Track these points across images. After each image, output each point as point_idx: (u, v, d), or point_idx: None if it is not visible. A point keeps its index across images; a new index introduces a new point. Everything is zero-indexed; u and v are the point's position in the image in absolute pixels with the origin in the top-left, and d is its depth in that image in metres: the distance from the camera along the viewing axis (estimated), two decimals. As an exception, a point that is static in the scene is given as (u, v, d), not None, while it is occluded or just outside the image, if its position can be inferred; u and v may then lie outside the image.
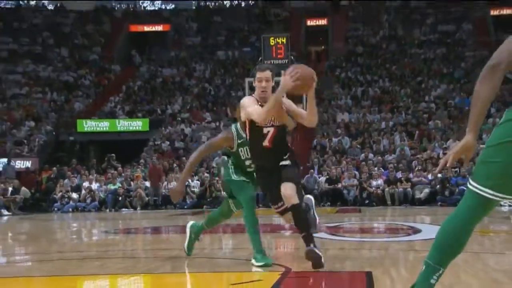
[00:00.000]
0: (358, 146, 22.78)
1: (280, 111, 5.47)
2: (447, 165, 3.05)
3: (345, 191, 19.26)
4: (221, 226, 11.48)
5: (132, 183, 20.72)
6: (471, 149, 2.99)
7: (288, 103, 5.58)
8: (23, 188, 20.83)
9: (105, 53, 36.17)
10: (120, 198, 20.06)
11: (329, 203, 19.06)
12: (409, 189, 18.71)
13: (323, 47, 38.03)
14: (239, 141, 5.93)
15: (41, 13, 39.28)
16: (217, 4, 40.77)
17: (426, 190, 18.56)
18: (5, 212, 18.89)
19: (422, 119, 24.87)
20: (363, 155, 21.76)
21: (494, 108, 24.36)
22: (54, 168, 22.90)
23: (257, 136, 5.47)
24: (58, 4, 40.00)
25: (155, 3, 41.36)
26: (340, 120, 25.72)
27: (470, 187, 2.94)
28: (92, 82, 33.21)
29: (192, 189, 19.78)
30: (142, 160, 23.30)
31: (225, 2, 40.96)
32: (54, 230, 13.51)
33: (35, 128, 28.27)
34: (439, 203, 17.95)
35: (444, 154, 18.90)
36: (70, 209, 19.84)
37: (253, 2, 40.38)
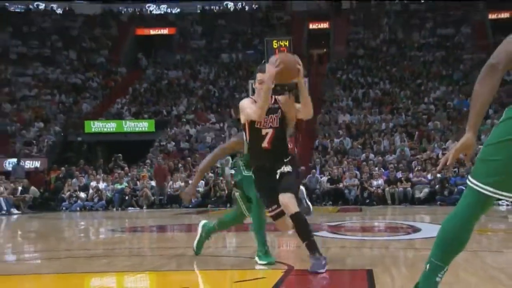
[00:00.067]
0: (359, 146, 22.77)
1: (289, 107, 5.42)
2: (448, 163, 3.06)
3: (346, 191, 19.24)
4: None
5: (138, 182, 20.74)
6: (471, 147, 3.00)
7: (283, 99, 5.48)
8: (32, 188, 20.87)
9: (112, 56, 36.22)
10: (126, 197, 20.08)
11: (330, 203, 19.04)
12: (409, 188, 18.69)
13: (324, 50, 38.02)
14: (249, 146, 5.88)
15: (50, 17, 39.34)
16: (221, 8, 40.78)
17: (426, 190, 18.54)
18: (15, 211, 18.93)
19: (422, 120, 24.85)
20: (364, 155, 21.74)
21: (492, 110, 24.30)
22: (63, 168, 22.93)
23: (256, 138, 5.37)
24: (67, 8, 40.05)
25: (161, 7, 41.37)
26: (341, 121, 25.71)
27: (471, 184, 2.94)
28: (99, 84, 33.26)
29: (197, 188, 19.78)
30: (148, 160, 23.31)
31: (229, 6, 40.96)
32: (62, 228, 13.52)
33: (44, 129, 28.31)
34: (439, 202, 17.93)
35: (444, 154, 18.90)
36: (78, 208, 19.86)
37: (256, 6, 40.36)
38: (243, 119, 5.42)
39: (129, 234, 10.89)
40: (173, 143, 25.74)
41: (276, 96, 5.47)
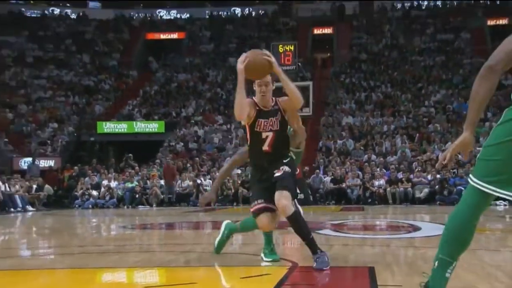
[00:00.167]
0: (362, 148, 22.74)
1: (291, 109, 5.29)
2: (446, 160, 3.07)
3: (349, 191, 19.22)
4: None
5: (148, 181, 20.77)
6: (469, 145, 3.02)
7: (282, 100, 5.32)
8: (47, 186, 20.94)
9: (124, 59, 36.30)
10: (137, 196, 20.12)
11: (333, 202, 19.03)
12: (409, 188, 18.67)
13: (328, 54, 37.99)
14: None
15: (64, 21, 39.46)
16: (229, 13, 40.82)
17: (426, 190, 18.52)
18: (30, 208, 18.99)
19: (422, 123, 24.81)
20: (366, 156, 21.72)
21: (491, 113, 24.27)
22: (76, 167, 22.99)
23: (257, 141, 5.24)
24: (81, 13, 40.17)
25: (171, 12, 41.45)
26: (344, 123, 25.68)
27: (472, 183, 2.94)
28: (111, 86, 33.34)
29: (205, 187, 19.79)
30: (157, 160, 23.35)
31: (236, 12, 40.99)
32: (75, 225, 13.54)
33: (58, 129, 28.40)
34: (438, 202, 17.91)
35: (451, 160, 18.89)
36: (90, 206, 19.90)
37: (263, 12, 40.38)
38: (243, 121, 5.29)
39: (139, 231, 10.90)
40: (182, 144, 25.76)
41: (277, 98, 5.33)
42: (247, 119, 5.19)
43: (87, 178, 21.18)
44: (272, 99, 5.25)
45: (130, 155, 23.91)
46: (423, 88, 28.99)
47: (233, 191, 19.38)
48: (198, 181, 20.08)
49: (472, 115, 2.95)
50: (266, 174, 5.24)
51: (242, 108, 5.01)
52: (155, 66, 36.01)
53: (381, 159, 21.22)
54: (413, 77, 30.49)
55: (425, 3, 39.15)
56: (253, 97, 5.33)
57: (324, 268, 4.95)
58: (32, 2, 41.33)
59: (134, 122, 28.31)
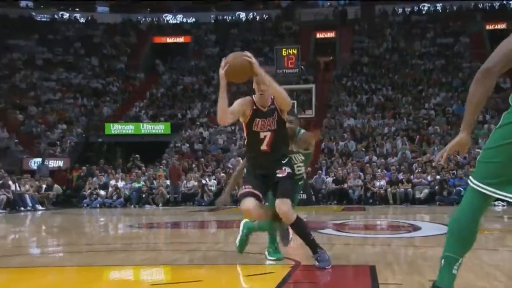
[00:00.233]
0: (363, 149, 22.72)
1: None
2: (443, 158, 3.09)
3: (350, 191, 19.20)
4: (235, 221, 11.49)
5: (154, 181, 20.78)
6: (465, 144, 3.02)
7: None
8: (56, 186, 20.97)
9: (131, 62, 36.33)
10: (143, 195, 20.12)
11: (335, 202, 19.01)
12: (409, 189, 18.64)
13: (331, 57, 37.95)
14: None
15: (73, 25, 39.54)
16: (233, 18, 40.84)
17: (426, 191, 18.48)
18: (39, 207, 19.01)
19: (422, 125, 24.78)
20: (367, 157, 21.69)
21: (489, 115, 24.25)
22: (84, 167, 23.01)
23: (255, 140, 5.12)
24: (89, 18, 40.25)
25: (177, 16, 41.48)
26: (346, 125, 25.66)
27: (472, 185, 2.93)
28: (119, 88, 33.37)
29: (210, 188, 19.80)
30: (164, 161, 23.35)
31: (241, 16, 41.00)
32: (83, 224, 13.57)
33: (67, 130, 28.44)
34: (438, 202, 17.87)
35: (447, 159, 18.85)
36: (98, 205, 19.91)
37: (266, 16, 40.39)
38: (241, 119, 5.19)
39: (145, 230, 10.92)
40: (187, 145, 25.78)
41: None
42: (243, 118, 5.12)
43: (95, 178, 21.21)
44: (270, 98, 5.12)
45: (137, 155, 23.92)
46: (423, 91, 28.95)
47: (237, 191, 19.35)
48: (203, 181, 20.08)
49: (469, 117, 2.96)
50: (263, 171, 5.12)
51: (223, 113, 4.95)
52: (161, 69, 36.03)
53: (382, 160, 21.19)
54: (414, 80, 30.45)
55: (426, 8, 39.10)
56: (253, 96, 5.22)
57: (327, 267, 4.95)
58: (42, 6, 41.42)
59: (141, 124, 28.33)
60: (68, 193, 21.95)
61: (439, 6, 38.94)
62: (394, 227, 10.71)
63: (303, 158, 5.74)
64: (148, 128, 28.08)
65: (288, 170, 5.08)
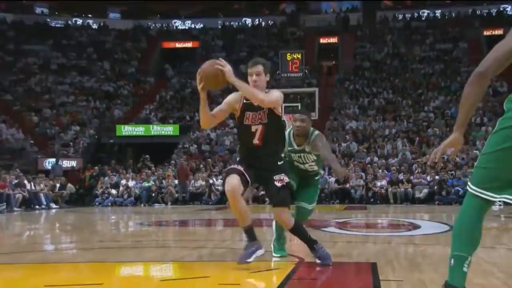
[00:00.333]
0: (364, 150, 22.67)
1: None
2: (437, 156, 3.11)
3: (352, 191, 19.17)
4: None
5: (163, 181, 20.79)
6: (458, 143, 3.04)
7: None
8: (69, 185, 21.01)
9: (141, 66, 36.38)
10: (153, 194, 20.14)
11: (338, 201, 18.97)
12: (409, 189, 18.60)
13: (333, 62, 37.94)
14: (289, 148, 5.59)
15: (86, 31, 39.64)
16: (240, 24, 40.85)
17: (425, 190, 18.44)
18: (53, 205, 19.05)
19: (422, 127, 24.72)
20: (368, 158, 21.64)
21: (487, 118, 24.17)
22: (96, 167, 23.06)
23: (247, 135, 4.88)
24: (101, 24, 40.35)
25: (185, 22, 41.53)
26: (348, 127, 25.62)
27: (471, 190, 2.91)
28: (129, 92, 33.43)
29: (216, 187, 19.79)
30: (172, 161, 23.36)
31: (247, 22, 41.01)
32: (95, 222, 13.60)
33: (80, 132, 28.51)
34: (437, 202, 17.84)
35: (442, 157, 18.86)
36: (109, 204, 19.95)
37: (272, 22, 40.38)
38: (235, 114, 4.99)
39: (155, 227, 10.93)
40: (195, 146, 25.79)
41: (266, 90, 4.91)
42: (235, 112, 4.94)
43: (106, 178, 21.24)
44: (266, 91, 4.90)
45: (147, 156, 23.95)
46: (423, 94, 28.88)
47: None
48: (210, 181, 20.09)
49: (462, 118, 2.96)
50: (255, 165, 4.87)
51: (204, 122, 4.91)
52: (170, 73, 36.07)
53: (383, 161, 21.14)
54: (414, 84, 30.38)
55: (425, 14, 39.01)
56: None
57: (330, 264, 4.95)
58: (56, 13, 41.55)
59: (151, 126, 28.38)
60: (81, 192, 21.99)
61: (438, 12, 38.85)
62: (394, 226, 10.68)
63: (315, 158, 5.66)
64: (157, 129, 28.12)
65: (285, 179, 4.85)
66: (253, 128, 4.84)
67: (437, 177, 18.66)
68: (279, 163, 4.91)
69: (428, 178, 18.92)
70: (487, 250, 6.35)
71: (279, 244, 5.65)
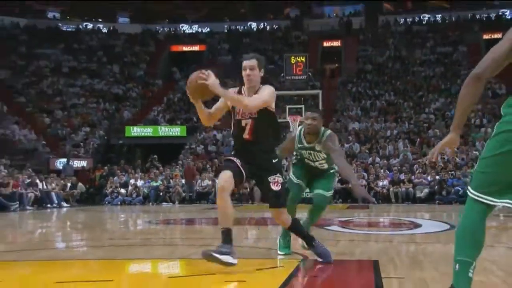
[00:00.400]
0: (367, 151, 22.64)
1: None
2: (435, 155, 3.11)
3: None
4: (246, 219, 11.49)
5: (171, 180, 20.82)
6: (454, 143, 3.03)
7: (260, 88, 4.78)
8: (80, 184, 21.07)
9: (150, 69, 36.46)
10: (161, 194, 20.17)
11: (341, 200, 18.94)
12: (411, 189, 18.56)
13: (336, 65, 37.91)
14: (299, 145, 5.59)
15: (96, 35, 39.74)
16: (245, 28, 40.88)
17: (426, 190, 18.39)
18: (64, 204, 19.11)
19: (423, 128, 24.67)
20: (370, 159, 21.61)
21: (486, 119, 24.11)
22: (106, 167, 23.11)
23: (238, 129, 4.75)
24: (111, 28, 40.44)
25: (193, 27, 41.59)
26: (351, 128, 25.59)
27: (471, 195, 2.89)
28: (138, 94, 33.49)
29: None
30: (180, 161, 23.39)
31: (252, 26, 41.02)
32: (105, 220, 13.62)
33: (90, 133, 28.58)
34: (437, 201, 17.80)
35: (442, 158, 18.71)
36: (119, 203, 19.99)
37: (276, 26, 40.39)
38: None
39: (163, 226, 10.93)
40: (202, 146, 25.81)
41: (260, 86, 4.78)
42: (229, 107, 4.82)
43: (116, 177, 21.28)
44: (261, 86, 4.75)
45: (155, 156, 23.98)
46: (424, 96, 28.83)
47: (248, 190, 19.35)
48: (217, 181, 20.05)
49: (459, 118, 2.95)
50: (248, 160, 4.71)
51: (203, 121, 4.87)
52: (178, 76, 36.10)
53: (385, 161, 21.10)
54: (415, 86, 30.33)
55: (426, 18, 38.95)
56: (243, 88, 4.90)
57: (331, 261, 4.94)
58: (68, 18, 41.68)
59: (159, 127, 28.42)
60: (91, 191, 22.05)
61: (438, 17, 38.79)
62: (396, 224, 10.66)
63: (325, 156, 5.59)
64: (165, 131, 28.16)
65: (280, 180, 4.74)
66: (243, 123, 4.72)
67: (437, 177, 18.61)
68: (273, 161, 4.77)
69: (429, 178, 18.87)
70: (486, 249, 6.30)
71: (285, 241, 5.64)
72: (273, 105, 4.74)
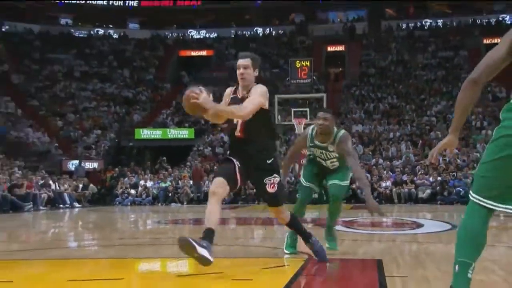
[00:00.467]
0: (370, 153, 22.59)
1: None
2: (434, 156, 3.15)
3: (358, 191, 19.04)
4: (252, 219, 11.48)
5: (179, 181, 20.84)
6: (453, 144, 3.05)
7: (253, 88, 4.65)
8: (91, 185, 21.12)
9: (159, 73, 36.52)
10: (169, 194, 20.19)
11: (345, 201, 18.88)
12: (413, 189, 18.49)
13: (340, 69, 37.86)
14: (310, 144, 5.54)
15: (107, 41, 39.85)
16: (252, 33, 40.88)
17: (428, 191, 18.33)
18: (76, 204, 19.16)
19: (425, 131, 24.60)
20: (374, 160, 21.56)
21: (487, 122, 24.02)
22: (116, 169, 23.16)
23: (232, 127, 4.67)
24: (122, 34, 40.55)
25: (200, 32, 41.63)
26: (354, 130, 25.53)
27: (472, 199, 2.88)
28: (148, 97, 33.56)
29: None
30: (188, 163, 23.42)
31: (258, 32, 41.03)
32: (115, 220, 13.64)
33: (101, 135, 28.66)
34: (439, 202, 17.72)
35: (444, 160, 18.63)
36: (129, 203, 20.02)
37: (282, 31, 40.39)
38: None
39: (171, 225, 10.94)
40: (210, 148, 25.82)
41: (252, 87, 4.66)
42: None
43: (126, 179, 21.33)
44: (253, 85, 4.65)
45: (164, 158, 24.02)
46: (426, 99, 28.75)
47: (255, 190, 19.32)
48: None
49: (457, 120, 2.97)
50: (242, 158, 4.60)
51: (214, 120, 4.71)
52: (186, 79, 36.13)
53: (388, 163, 21.06)
54: (417, 89, 30.25)
55: (428, 23, 38.83)
56: (238, 88, 4.82)
57: (326, 260, 4.92)
58: (80, 24, 41.82)
59: (168, 129, 28.46)
60: (102, 192, 22.08)
61: (440, 22, 38.66)
62: (398, 224, 10.63)
63: (337, 155, 5.54)
64: (174, 133, 28.19)
65: (276, 180, 4.63)
66: (235, 121, 4.62)
67: (439, 178, 18.54)
68: (268, 161, 4.62)
69: (431, 179, 18.81)
70: (487, 248, 6.26)
71: (292, 240, 5.61)
72: (267, 104, 4.62)
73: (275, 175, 4.62)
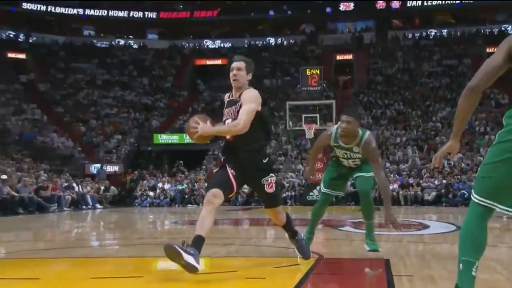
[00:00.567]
0: (377, 157, 22.47)
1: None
2: (437, 160, 3.12)
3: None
4: (265, 220, 11.46)
5: (195, 184, 20.88)
6: (455, 149, 3.03)
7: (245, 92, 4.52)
8: (112, 187, 21.23)
9: (176, 82, 36.66)
10: (186, 196, 20.23)
11: (353, 203, 18.78)
12: (419, 192, 18.39)
13: (349, 77, 37.77)
14: (334, 144, 5.37)
15: (128, 51, 40.11)
16: (264, 43, 40.94)
17: (433, 193, 18.21)
18: (98, 206, 19.26)
19: (430, 136, 24.46)
20: (381, 164, 21.45)
21: (490, 127, 23.83)
22: (136, 172, 23.27)
23: None
24: (141, 44, 40.81)
25: (215, 42, 41.76)
26: (362, 136, 25.44)
27: (474, 199, 2.86)
28: (165, 104, 33.70)
29: (243, 189, 19.75)
30: (203, 166, 23.46)
31: (270, 41, 41.08)
32: (135, 221, 13.69)
33: (121, 140, 28.82)
34: (444, 204, 17.61)
35: (448, 164, 18.50)
36: (148, 204, 20.09)
37: (293, 41, 40.41)
38: None
39: (188, 226, 10.94)
40: (224, 153, 25.83)
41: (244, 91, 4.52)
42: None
43: (145, 181, 21.42)
44: (243, 89, 4.52)
45: (181, 162, 24.09)
46: (431, 106, 28.58)
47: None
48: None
49: (457, 126, 2.96)
50: (235, 161, 4.45)
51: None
52: (202, 87, 36.27)
53: (395, 166, 20.95)
54: (422, 96, 30.08)
55: (433, 33, 38.62)
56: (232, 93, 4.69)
57: (309, 257, 4.85)
58: (102, 35, 42.15)
59: (184, 134, 28.43)
60: (122, 194, 22.19)
61: (444, 32, 38.45)
62: (405, 226, 10.53)
63: (360, 156, 5.39)
64: (190, 138, 28.25)
65: (273, 180, 4.49)
66: (226, 123, 4.51)
67: (444, 181, 18.43)
68: (264, 161, 4.47)
69: (436, 182, 18.69)
70: (490, 248, 6.21)
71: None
72: (259, 107, 4.45)
73: (271, 174, 4.48)
